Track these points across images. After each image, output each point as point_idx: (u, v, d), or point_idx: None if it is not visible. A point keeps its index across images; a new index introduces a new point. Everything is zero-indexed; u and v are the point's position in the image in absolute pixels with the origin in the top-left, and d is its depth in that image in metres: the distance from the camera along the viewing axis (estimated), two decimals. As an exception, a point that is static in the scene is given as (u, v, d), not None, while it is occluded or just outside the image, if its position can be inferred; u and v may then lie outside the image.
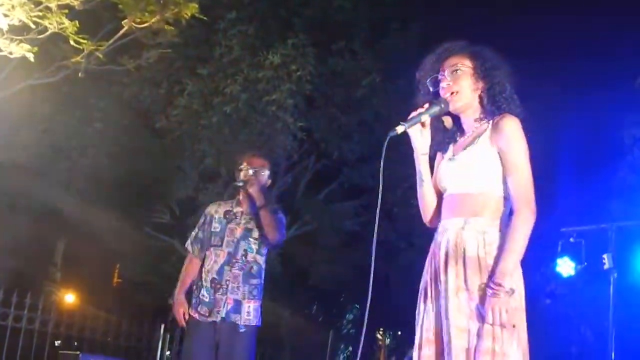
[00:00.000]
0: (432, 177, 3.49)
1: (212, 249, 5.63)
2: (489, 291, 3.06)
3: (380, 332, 25.46)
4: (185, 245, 5.92)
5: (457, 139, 3.45)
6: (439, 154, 3.49)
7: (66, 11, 7.60)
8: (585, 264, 9.81)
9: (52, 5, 7.38)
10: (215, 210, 5.78)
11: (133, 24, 8.24)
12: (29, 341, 10.54)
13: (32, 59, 7.34)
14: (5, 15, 6.94)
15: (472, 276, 3.14)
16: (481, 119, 3.36)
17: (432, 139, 3.41)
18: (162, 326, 11.75)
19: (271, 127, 12.33)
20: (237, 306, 5.45)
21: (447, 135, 3.47)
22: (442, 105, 3.31)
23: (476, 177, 3.26)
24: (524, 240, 3.16)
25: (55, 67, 9.02)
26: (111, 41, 8.55)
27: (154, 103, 12.57)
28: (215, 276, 5.50)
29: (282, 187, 14.67)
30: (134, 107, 12.49)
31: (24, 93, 9.29)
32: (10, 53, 7.25)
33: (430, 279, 3.31)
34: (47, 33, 7.63)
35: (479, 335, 3.07)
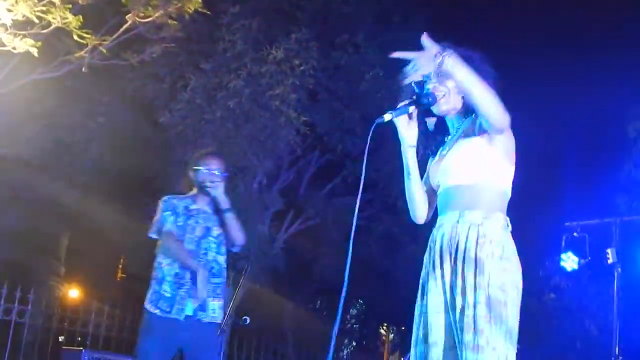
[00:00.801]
0: (422, 178, 3.49)
1: None
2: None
3: (384, 327, 25.50)
4: (152, 235, 5.56)
5: (445, 140, 3.46)
6: (430, 159, 3.50)
7: (70, 6, 7.61)
8: (589, 258, 9.82)
9: (56, 0, 7.39)
10: (177, 204, 5.59)
11: (136, 18, 8.26)
12: (33, 336, 10.56)
13: (35, 54, 7.36)
14: (9, 10, 6.95)
15: (466, 272, 3.12)
16: (466, 115, 3.37)
17: (420, 142, 3.41)
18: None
19: (274, 122, 12.31)
20: (203, 304, 5.33)
21: (435, 139, 3.48)
22: (430, 99, 3.28)
23: (468, 167, 3.25)
24: (477, 83, 3.07)
25: (59, 62, 9.03)
26: (115, 36, 8.56)
27: (157, 98, 12.56)
28: (178, 271, 5.33)
29: (286, 182, 14.68)
30: (137, 101, 12.49)
31: (27, 88, 9.30)
32: (14, 48, 7.26)
33: (428, 275, 3.29)
34: (51, 28, 7.65)
35: (459, 328, 3.07)
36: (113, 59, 9.20)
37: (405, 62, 3.29)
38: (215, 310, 5.38)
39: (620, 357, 8.40)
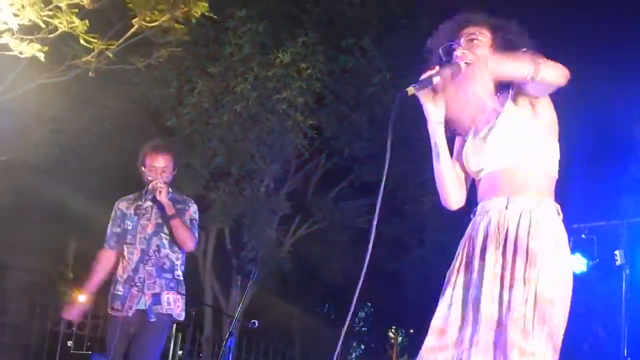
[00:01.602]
0: (453, 158, 3.22)
1: (125, 246, 5.54)
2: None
3: (393, 331, 25.46)
4: (104, 244, 5.75)
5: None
6: (458, 137, 3.24)
7: (76, 10, 7.61)
8: (597, 260, 9.79)
9: (62, 5, 7.40)
10: (127, 207, 5.65)
11: (143, 22, 8.24)
12: (41, 341, 10.58)
13: (42, 59, 7.36)
14: (16, 15, 6.96)
15: (515, 260, 2.87)
16: (498, 93, 3.09)
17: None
18: (174, 326, 11.77)
19: (281, 125, 12.33)
20: (157, 298, 5.41)
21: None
22: (455, 68, 2.97)
23: (515, 148, 3.00)
24: (554, 74, 2.95)
25: (66, 67, 9.03)
26: (121, 40, 8.55)
27: (164, 102, 12.58)
28: (130, 274, 5.42)
29: (293, 186, 14.68)
30: (144, 106, 12.51)
31: (34, 92, 9.30)
32: (21, 53, 7.27)
33: (460, 267, 3.05)
34: (57, 32, 7.65)
35: (505, 326, 2.80)
36: (120, 63, 9.20)
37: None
38: (170, 302, 5.44)
39: (629, 359, 8.36)
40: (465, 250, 3.06)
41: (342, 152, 13.95)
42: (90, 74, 8.54)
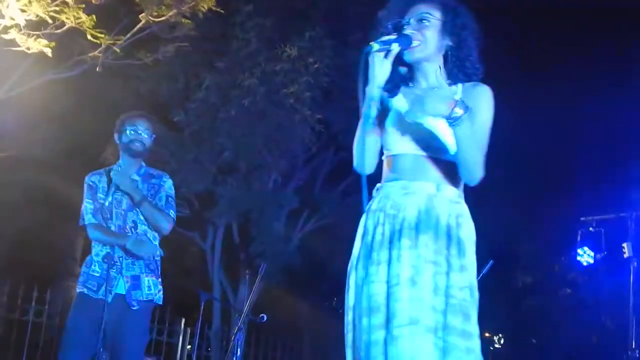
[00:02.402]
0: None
1: (102, 222, 5.13)
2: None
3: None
4: (86, 222, 5.17)
5: (412, 88, 3.16)
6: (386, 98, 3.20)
7: (83, 6, 7.65)
8: (605, 253, 9.79)
9: (69, 0, 7.42)
10: (99, 180, 5.22)
11: (150, 18, 8.28)
12: (50, 336, 10.59)
13: (49, 54, 7.39)
14: (23, 11, 6.99)
15: (442, 248, 2.89)
16: (449, 81, 3.08)
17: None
18: (183, 320, 11.79)
19: (289, 120, 12.32)
20: (137, 282, 5.05)
21: (398, 78, 3.17)
22: (409, 40, 3.02)
23: (447, 139, 2.96)
24: (470, 140, 2.88)
25: (73, 62, 9.06)
26: (128, 35, 8.58)
27: (172, 97, 12.59)
28: (109, 250, 5.02)
29: (301, 180, 14.67)
30: (151, 101, 12.52)
31: (41, 88, 9.33)
32: (28, 48, 7.30)
33: (382, 243, 2.99)
34: (65, 28, 7.68)
35: (445, 311, 2.82)
36: (127, 58, 9.22)
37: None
38: (151, 287, 5.11)
39: (637, 351, 8.36)
40: (387, 226, 3.01)
41: (349, 146, 13.94)
42: (97, 69, 8.57)
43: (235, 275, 14.66)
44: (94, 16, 7.76)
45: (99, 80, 10.20)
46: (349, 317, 3.02)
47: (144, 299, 5.07)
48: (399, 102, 3.15)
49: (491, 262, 6.01)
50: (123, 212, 5.12)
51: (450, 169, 3.00)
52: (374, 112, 3.16)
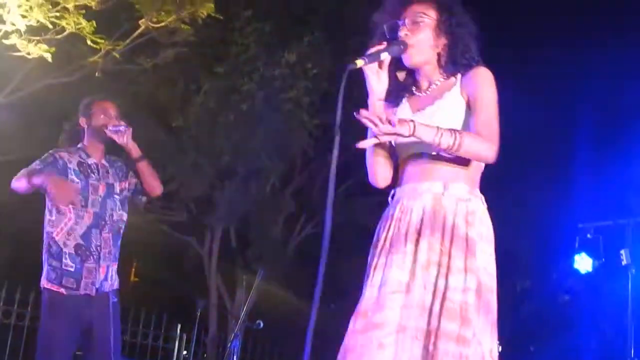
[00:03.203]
0: None
1: (70, 207, 4.69)
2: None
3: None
4: (16, 180, 4.89)
5: (415, 92, 3.13)
6: (389, 108, 3.14)
7: (83, 11, 7.67)
8: (603, 260, 9.78)
9: (70, 6, 7.46)
10: (69, 160, 4.81)
11: (149, 23, 8.30)
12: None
13: (49, 59, 7.40)
14: (24, 16, 7.01)
15: (454, 252, 2.81)
16: (446, 75, 3.05)
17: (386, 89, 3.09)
18: (179, 326, 11.77)
19: (287, 125, 12.34)
20: (107, 272, 4.76)
21: (400, 86, 3.15)
22: (402, 47, 2.99)
23: None
24: (476, 148, 2.85)
25: (73, 67, 9.08)
26: (128, 41, 8.61)
27: (171, 102, 12.61)
28: (80, 241, 4.66)
29: (299, 185, 14.69)
30: (150, 106, 12.53)
31: (41, 93, 9.35)
32: (28, 53, 7.32)
33: (386, 249, 2.95)
34: (65, 33, 7.71)
35: (440, 314, 2.74)
36: (126, 63, 9.25)
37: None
38: (113, 276, 4.83)
39: (636, 359, 8.36)
40: (391, 231, 2.97)
41: (350, 148, 13.94)
42: (97, 74, 8.59)
43: (232, 280, 14.65)
44: (94, 22, 7.78)
45: (98, 86, 10.19)
46: (360, 322, 2.93)
47: (111, 289, 4.80)
48: (403, 111, 3.11)
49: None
50: (101, 199, 4.79)
51: (459, 166, 2.95)
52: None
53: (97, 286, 4.68)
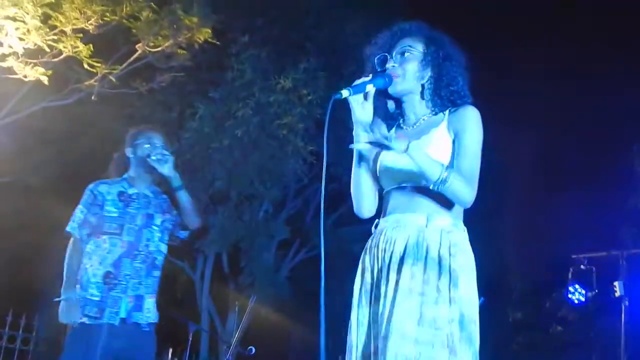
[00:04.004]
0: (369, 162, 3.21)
1: (104, 237, 4.70)
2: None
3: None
4: (68, 229, 4.81)
5: (402, 126, 3.18)
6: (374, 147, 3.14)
7: (81, 35, 7.70)
8: (596, 291, 9.80)
9: (67, 29, 7.49)
10: (108, 191, 4.83)
11: (146, 48, 8.33)
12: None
13: (46, 82, 7.42)
14: (21, 39, 7.04)
15: (432, 279, 2.85)
16: (433, 110, 3.10)
17: (376, 116, 3.16)
18: (170, 350, 11.71)
19: (282, 151, 12.34)
20: (139, 303, 4.69)
21: (388, 117, 3.22)
22: (387, 79, 3.06)
23: None
24: (459, 189, 2.88)
25: (69, 90, 9.10)
26: (124, 65, 8.63)
27: (166, 125, 12.58)
28: (110, 270, 4.63)
29: (292, 211, 14.68)
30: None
31: (37, 115, 9.36)
32: (25, 76, 7.34)
33: (374, 279, 3.01)
34: (62, 56, 7.72)
35: (430, 343, 2.77)
36: (122, 87, 9.26)
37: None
38: (150, 309, 4.75)
39: (628, 391, 8.36)
40: (377, 261, 3.01)
41: (341, 178, 13.97)
42: (92, 97, 8.60)
43: (223, 305, 14.60)
44: (91, 45, 7.81)
45: (94, 109, 10.22)
46: (351, 355, 3.01)
47: (146, 323, 4.74)
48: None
49: (482, 299, 5.99)
50: (137, 228, 4.76)
51: (443, 199, 2.96)
52: (364, 153, 3.19)
53: (123, 316, 4.62)
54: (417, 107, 3.14)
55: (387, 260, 2.96)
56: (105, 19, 7.95)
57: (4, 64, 7.21)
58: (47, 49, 7.48)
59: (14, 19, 7.00)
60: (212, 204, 13.24)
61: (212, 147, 12.26)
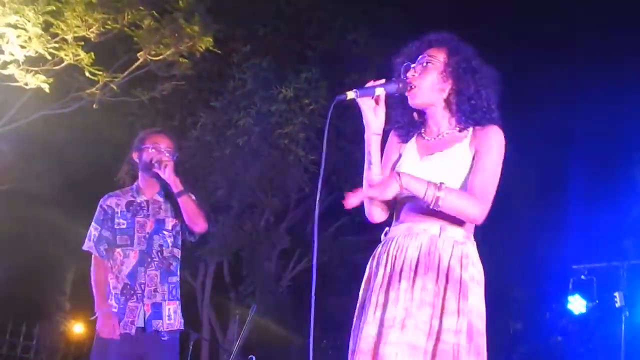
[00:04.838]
0: (384, 167, 3.17)
1: (118, 249, 4.70)
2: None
3: None
4: (85, 248, 4.82)
5: (423, 136, 3.13)
6: (396, 142, 3.23)
7: (82, 43, 7.71)
8: (597, 301, 9.78)
9: (69, 38, 7.49)
10: (117, 204, 4.79)
11: (148, 56, 8.33)
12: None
13: (47, 90, 7.42)
14: (22, 47, 7.04)
15: (442, 290, 2.84)
16: (458, 126, 3.05)
17: (397, 123, 3.16)
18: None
19: (283, 160, 12.35)
20: (158, 310, 4.65)
21: (411, 124, 3.17)
22: (400, 85, 3.00)
23: (453, 183, 2.92)
24: (459, 206, 2.86)
25: (70, 98, 9.10)
26: (126, 73, 8.64)
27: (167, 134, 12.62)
28: (127, 281, 4.64)
29: (293, 220, 14.67)
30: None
31: (38, 123, 9.36)
32: (26, 84, 7.34)
33: (382, 285, 2.94)
34: (63, 64, 7.73)
35: (437, 354, 2.76)
36: (124, 95, 9.26)
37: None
38: (171, 315, 4.70)
39: (628, 402, 8.34)
40: (387, 268, 2.97)
41: (342, 187, 13.97)
42: (94, 105, 8.61)
43: (224, 314, 14.60)
44: (92, 53, 7.81)
45: (95, 117, 10.23)
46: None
47: (167, 329, 4.68)
48: (409, 152, 3.14)
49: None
50: (147, 236, 4.72)
51: None
52: (375, 158, 3.13)
53: (139, 325, 4.61)
54: (440, 120, 3.09)
55: (397, 268, 2.93)
56: (107, 27, 7.96)
57: (5, 72, 7.21)
58: (49, 57, 7.48)
59: (15, 27, 7.00)
60: (213, 213, 13.23)
61: (213, 156, 12.27)
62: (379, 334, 2.85)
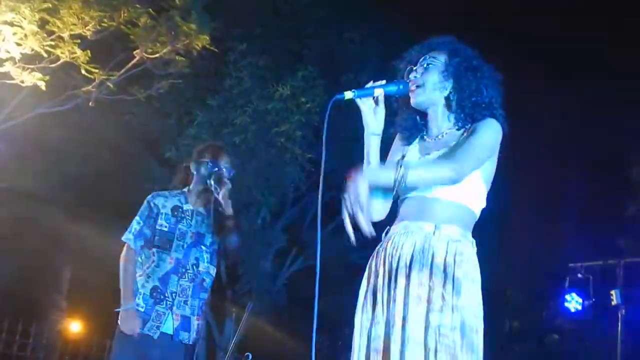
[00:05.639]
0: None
1: (154, 249, 4.71)
2: None
3: None
4: (124, 239, 4.81)
5: (425, 138, 3.20)
6: (400, 145, 3.28)
7: (78, 41, 7.70)
8: (593, 300, 9.79)
9: (65, 35, 7.48)
10: (163, 205, 4.81)
11: (144, 54, 8.33)
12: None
13: (43, 88, 7.41)
14: (18, 44, 7.04)
15: (437, 287, 2.89)
16: (457, 124, 3.11)
17: (400, 127, 3.23)
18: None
19: (280, 159, 12.34)
20: (187, 324, 4.68)
21: (415, 127, 3.23)
22: (401, 86, 3.08)
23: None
24: (427, 175, 2.93)
25: (66, 96, 9.09)
26: (122, 71, 8.63)
27: (164, 133, 12.61)
28: (158, 284, 4.63)
29: (289, 219, 14.66)
30: (143, 136, 12.53)
31: (34, 121, 9.35)
32: (22, 81, 7.33)
33: (383, 283, 3.00)
34: (59, 62, 7.72)
35: (435, 349, 2.80)
36: (120, 94, 9.24)
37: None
38: (198, 331, 4.75)
39: (625, 401, 8.35)
40: (385, 266, 3.03)
41: (339, 186, 13.96)
42: (90, 103, 8.60)
43: (221, 313, 14.58)
44: (88, 51, 7.80)
45: (91, 115, 10.22)
46: (354, 358, 3.02)
47: (191, 343, 4.74)
48: (411, 152, 3.19)
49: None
50: (186, 247, 4.74)
51: (453, 209, 3.01)
52: (373, 159, 3.17)
53: (168, 332, 4.63)
54: (440, 120, 3.14)
55: (394, 265, 2.99)
56: (103, 25, 7.95)
57: (1, 69, 7.21)
58: (45, 55, 7.47)
59: (12, 24, 7.00)
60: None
61: (209, 154, 12.24)
62: (387, 334, 2.91)
